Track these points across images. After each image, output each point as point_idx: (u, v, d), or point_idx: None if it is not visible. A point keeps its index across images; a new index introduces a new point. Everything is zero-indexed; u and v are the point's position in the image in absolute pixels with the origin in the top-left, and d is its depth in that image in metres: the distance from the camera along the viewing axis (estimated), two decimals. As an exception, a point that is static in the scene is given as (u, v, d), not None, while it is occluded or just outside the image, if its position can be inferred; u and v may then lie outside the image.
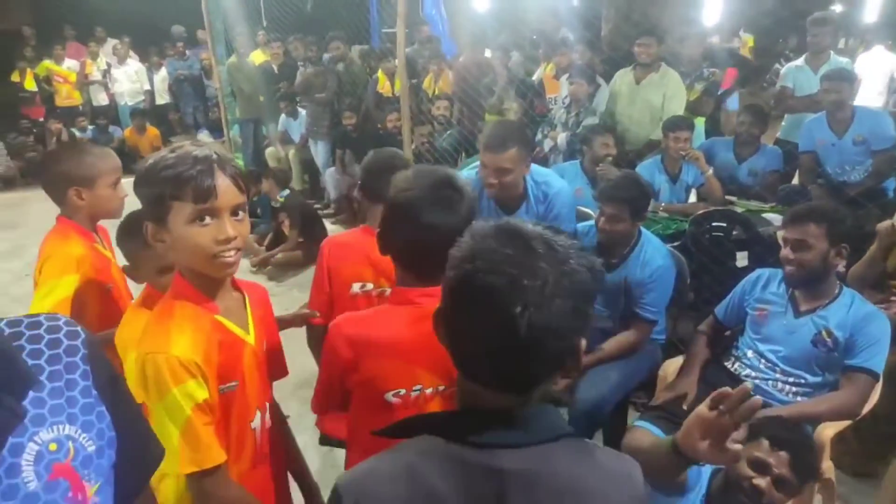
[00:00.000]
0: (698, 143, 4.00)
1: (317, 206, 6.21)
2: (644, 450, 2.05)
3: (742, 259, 3.06)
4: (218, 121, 8.76)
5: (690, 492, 1.77)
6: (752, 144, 3.90)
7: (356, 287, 1.93)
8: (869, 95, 5.27)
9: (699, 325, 2.51)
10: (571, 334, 0.80)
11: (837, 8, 7.05)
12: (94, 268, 1.85)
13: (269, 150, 7.19)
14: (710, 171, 3.63)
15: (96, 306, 1.84)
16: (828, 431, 2.07)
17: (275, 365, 1.44)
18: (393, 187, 1.31)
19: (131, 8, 9.75)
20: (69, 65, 9.11)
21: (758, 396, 1.23)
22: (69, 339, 0.76)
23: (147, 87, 9.30)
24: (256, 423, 1.31)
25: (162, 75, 9.53)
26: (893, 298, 2.42)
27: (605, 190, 2.53)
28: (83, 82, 9.19)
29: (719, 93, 4.68)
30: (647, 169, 3.77)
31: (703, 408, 1.07)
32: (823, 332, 2.11)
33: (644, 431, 2.18)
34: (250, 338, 1.29)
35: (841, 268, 2.16)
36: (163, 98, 9.51)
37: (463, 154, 4.92)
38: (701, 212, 3.26)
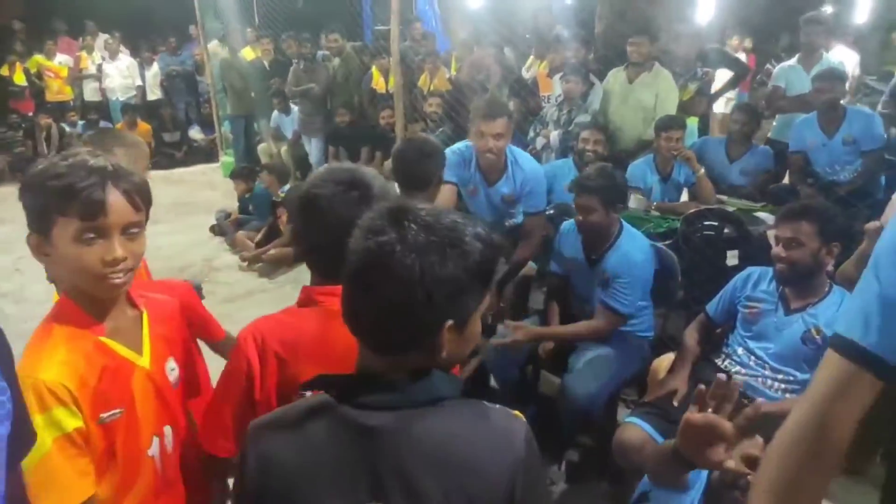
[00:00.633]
0: (690, 143, 4.02)
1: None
2: (640, 450, 2.09)
3: (733, 258, 3.07)
4: (210, 117, 8.74)
5: (692, 488, 1.78)
6: (743, 144, 3.91)
7: None
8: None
9: (690, 322, 2.52)
10: (422, 313, 0.84)
11: (828, 9, 7.07)
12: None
13: (261, 147, 7.17)
14: (702, 170, 3.64)
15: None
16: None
17: (188, 384, 1.34)
18: (304, 185, 1.27)
19: (122, 2, 9.70)
20: (61, 60, 9.06)
21: (761, 400, 1.23)
22: None
23: (139, 82, 9.24)
24: (154, 450, 1.22)
25: (154, 71, 9.48)
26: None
27: (576, 181, 2.60)
28: (76, 76, 9.13)
29: (713, 93, 4.70)
30: (639, 168, 3.79)
31: (692, 414, 1.08)
32: (813, 330, 2.12)
33: (635, 428, 2.19)
34: (143, 360, 1.20)
35: (830, 266, 2.18)
36: (154, 94, 9.45)
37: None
38: (692, 211, 3.28)
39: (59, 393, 1.05)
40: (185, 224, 6.02)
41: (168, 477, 1.27)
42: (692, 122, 4.42)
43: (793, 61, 4.57)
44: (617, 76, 4.40)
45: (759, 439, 1.68)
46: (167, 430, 1.26)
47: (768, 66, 6.40)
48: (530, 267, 3.16)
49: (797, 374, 2.15)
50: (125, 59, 9.25)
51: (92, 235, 1.06)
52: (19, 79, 8.86)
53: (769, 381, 2.18)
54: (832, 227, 2.10)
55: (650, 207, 3.59)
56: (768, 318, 2.23)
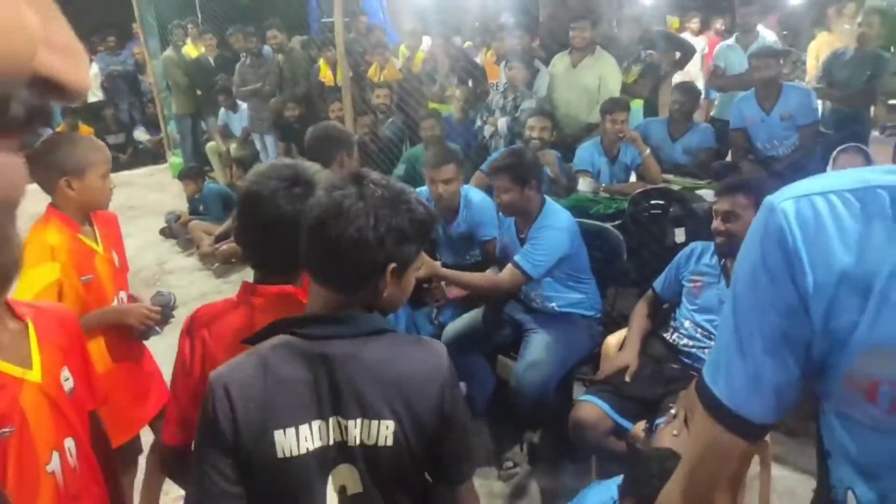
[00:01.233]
0: (635, 125, 4.09)
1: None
2: (595, 426, 2.15)
3: (680, 235, 3.15)
4: (154, 117, 8.51)
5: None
6: (684, 123, 4.01)
7: None
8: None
9: (639, 299, 2.59)
10: (374, 253, 1.00)
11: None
12: (71, 258, 1.84)
13: (209, 146, 7.02)
14: (648, 150, 3.71)
15: (71, 295, 1.81)
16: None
17: (85, 395, 1.31)
18: (245, 182, 1.27)
19: (57, 1, 9.33)
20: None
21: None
22: None
23: (78, 84, 8.93)
24: (55, 465, 1.19)
25: (94, 71, 9.17)
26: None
27: (489, 164, 2.70)
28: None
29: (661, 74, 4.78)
30: (587, 151, 3.84)
31: None
32: (754, 300, 2.19)
33: (590, 405, 2.24)
34: (33, 374, 1.16)
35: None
36: (95, 95, 9.15)
37: (407, 142, 4.89)
38: (639, 191, 3.34)
39: None
40: (134, 227, 5.87)
41: (72, 492, 1.23)
42: (637, 105, 4.50)
43: (731, 41, 4.69)
44: (561, 61, 4.46)
45: None
46: (68, 442, 1.23)
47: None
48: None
49: (741, 343, 2.22)
50: (63, 61, 8.92)
51: None
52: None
53: (715, 352, 2.25)
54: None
55: (599, 189, 3.65)
56: (712, 291, 2.31)
